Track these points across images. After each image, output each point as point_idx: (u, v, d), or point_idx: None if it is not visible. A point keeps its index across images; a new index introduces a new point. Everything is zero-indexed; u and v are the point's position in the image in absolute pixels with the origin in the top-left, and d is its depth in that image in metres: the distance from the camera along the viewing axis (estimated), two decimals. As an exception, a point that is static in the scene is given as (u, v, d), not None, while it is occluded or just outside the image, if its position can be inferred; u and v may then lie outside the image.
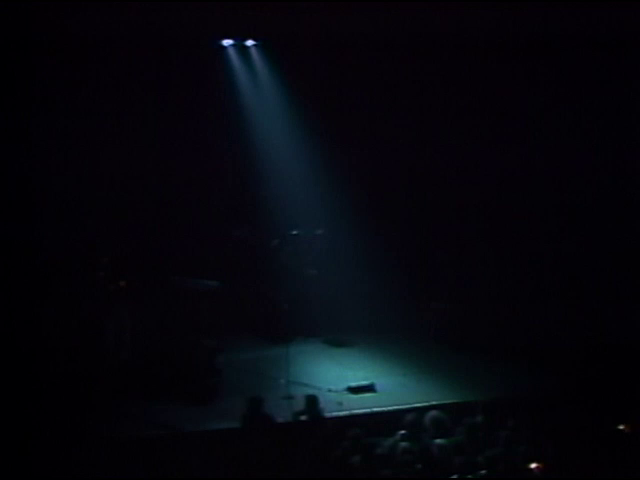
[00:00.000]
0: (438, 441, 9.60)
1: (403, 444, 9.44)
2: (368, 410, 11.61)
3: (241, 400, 10.85)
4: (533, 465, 9.12)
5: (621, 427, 10.02)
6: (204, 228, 14.83)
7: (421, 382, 12.70)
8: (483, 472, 8.95)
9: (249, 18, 13.42)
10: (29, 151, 13.53)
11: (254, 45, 14.90)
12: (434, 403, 11.49)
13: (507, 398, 11.67)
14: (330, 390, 12.26)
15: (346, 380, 12.56)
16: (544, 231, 15.27)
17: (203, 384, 12.09)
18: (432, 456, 9.27)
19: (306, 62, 14.73)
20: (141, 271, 12.84)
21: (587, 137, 15.05)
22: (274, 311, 14.06)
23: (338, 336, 14.36)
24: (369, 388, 12.40)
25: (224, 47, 14.81)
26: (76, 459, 10.11)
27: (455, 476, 8.93)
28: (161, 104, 14.37)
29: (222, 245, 14.93)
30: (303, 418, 10.71)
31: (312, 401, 10.78)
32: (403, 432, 9.83)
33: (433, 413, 10.13)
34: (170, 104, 14.41)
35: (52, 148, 13.67)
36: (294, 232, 14.60)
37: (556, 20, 13.52)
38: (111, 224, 13.89)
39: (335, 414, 11.28)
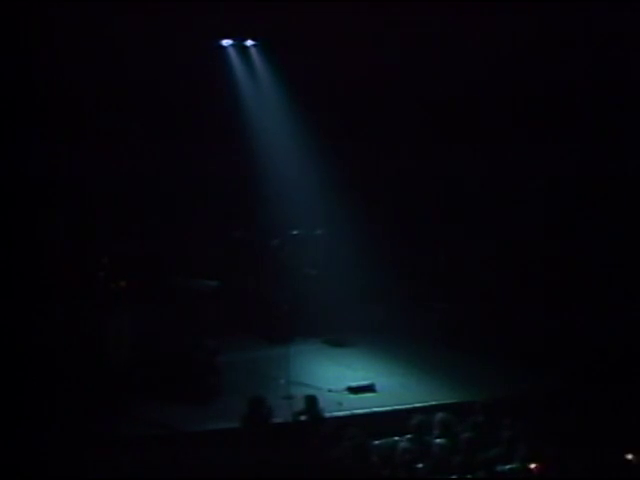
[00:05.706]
0: (438, 441, 9.61)
1: (403, 444, 9.44)
2: (368, 410, 11.62)
3: (241, 400, 10.84)
4: (533, 465, 9.12)
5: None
6: (204, 228, 14.83)
7: (421, 382, 12.70)
8: (483, 472, 8.96)
9: (249, 18, 13.43)
10: (29, 151, 13.57)
11: (254, 45, 14.92)
12: (434, 403, 11.50)
13: (507, 398, 11.66)
14: (330, 390, 12.25)
15: (346, 380, 12.56)
16: (544, 230, 15.25)
17: (203, 384, 12.09)
18: (432, 456, 9.27)
19: (306, 62, 14.72)
20: (141, 271, 12.84)
21: (586, 137, 15.02)
22: (274, 311, 14.07)
23: (338, 336, 14.36)
24: (369, 388, 12.39)
25: (224, 47, 14.82)
26: (77, 459, 10.10)
27: (455, 476, 8.94)
28: (161, 104, 14.37)
29: (222, 245, 14.93)
30: (303, 418, 10.71)
31: (312, 401, 10.77)
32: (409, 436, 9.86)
33: (441, 415, 10.12)
34: (170, 104, 14.40)
35: (52, 148, 13.68)
36: (294, 232, 14.60)
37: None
38: (111, 224, 13.88)
39: (335, 414, 11.27)
